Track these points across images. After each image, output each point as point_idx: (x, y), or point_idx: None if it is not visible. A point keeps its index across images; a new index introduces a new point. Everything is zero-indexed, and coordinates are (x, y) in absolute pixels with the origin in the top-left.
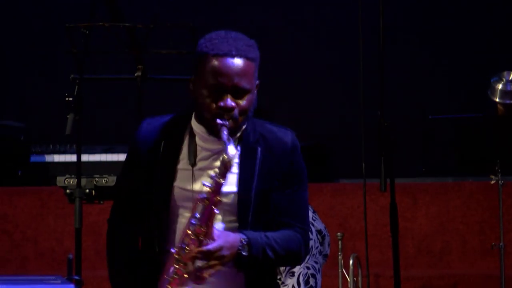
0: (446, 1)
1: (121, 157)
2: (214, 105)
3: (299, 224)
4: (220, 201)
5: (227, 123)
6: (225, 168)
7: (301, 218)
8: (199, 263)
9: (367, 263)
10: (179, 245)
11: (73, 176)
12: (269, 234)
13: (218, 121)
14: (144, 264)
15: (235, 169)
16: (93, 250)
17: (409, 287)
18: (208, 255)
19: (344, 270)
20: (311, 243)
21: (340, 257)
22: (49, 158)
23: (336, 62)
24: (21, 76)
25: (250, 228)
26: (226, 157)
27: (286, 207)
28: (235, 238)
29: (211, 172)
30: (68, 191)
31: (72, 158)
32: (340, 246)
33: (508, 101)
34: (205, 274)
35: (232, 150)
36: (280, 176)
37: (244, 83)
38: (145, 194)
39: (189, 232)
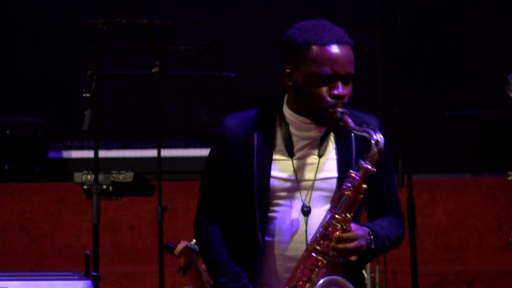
0: None
1: (138, 153)
2: (327, 94)
3: (397, 208)
4: (365, 188)
5: (347, 110)
6: (378, 156)
7: (397, 201)
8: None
9: (385, 259)
10: (319, 235)
11: (90, 172)
12: (383, 223)
13: (339, 109)
14: (242, 255)
15: (333, 154)
16: (110, 246)
17: (427, 283)
18: (351, 241)
19: None
20: None
21: None
22: (66, 154)
23: (354, 57)
24: (38, 72)
25: None
26: (379, 144)
27: (384, 192)
28: (365, 230)
29: (360, 160)
30: (85, 187)
31: (90, 154)
32: None
33: None
34: (344, 259)
35: (381, 137)
36: None
37: (353, 69)
38: (239, 188)
39: (332, 221)
